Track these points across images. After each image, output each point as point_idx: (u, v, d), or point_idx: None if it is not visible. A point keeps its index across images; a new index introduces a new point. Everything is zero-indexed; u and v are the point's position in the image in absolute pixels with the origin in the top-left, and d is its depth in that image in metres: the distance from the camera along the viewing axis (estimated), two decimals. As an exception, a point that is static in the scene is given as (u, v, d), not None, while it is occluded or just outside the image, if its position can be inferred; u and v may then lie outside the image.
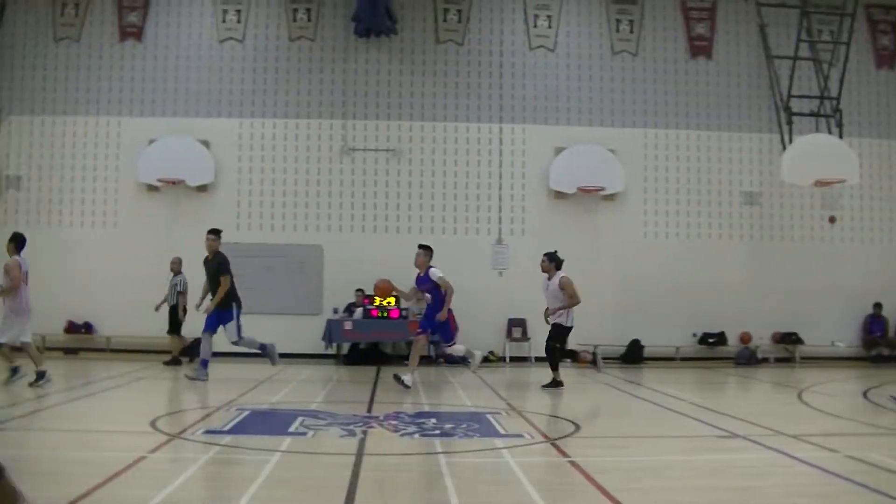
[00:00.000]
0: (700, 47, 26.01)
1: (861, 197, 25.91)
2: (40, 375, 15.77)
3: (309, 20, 25.51)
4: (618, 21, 25.91)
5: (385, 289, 17.27)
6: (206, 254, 18.12)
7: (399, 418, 12.53)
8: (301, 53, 25.45)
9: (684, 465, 9.66)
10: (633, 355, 24.60)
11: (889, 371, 22.79)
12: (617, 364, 24.13)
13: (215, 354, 20.74)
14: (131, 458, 9.33)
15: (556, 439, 10.89)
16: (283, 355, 22.75)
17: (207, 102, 25.17)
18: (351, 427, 11.57)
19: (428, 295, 16.87)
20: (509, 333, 24.59)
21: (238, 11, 25.46)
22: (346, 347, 23.85)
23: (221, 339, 23.35)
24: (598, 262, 24.83)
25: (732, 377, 21.76)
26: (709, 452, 10.46)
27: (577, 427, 11.88)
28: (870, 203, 26.08)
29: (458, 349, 17.57)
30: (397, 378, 16.41)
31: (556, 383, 17.52)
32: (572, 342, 18.70)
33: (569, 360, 18.76)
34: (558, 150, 25.08)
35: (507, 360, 24.36)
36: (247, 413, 12.97)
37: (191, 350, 21.64)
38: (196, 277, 21.97)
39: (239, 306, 17.66)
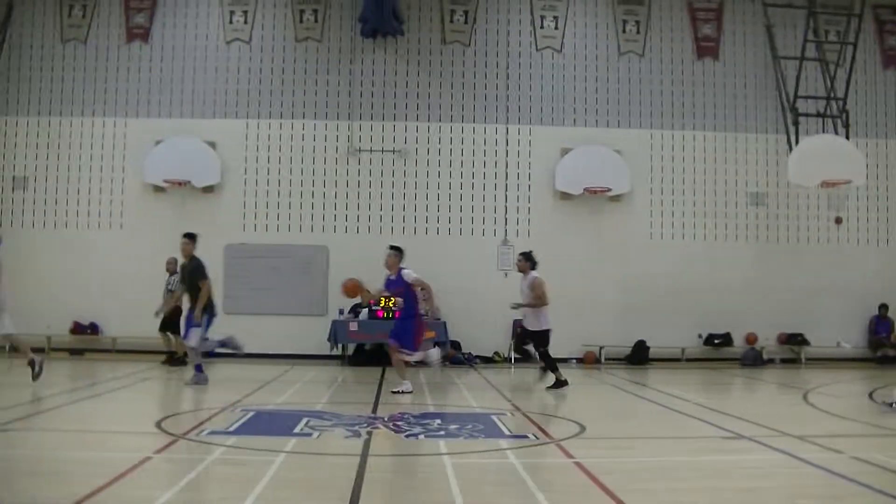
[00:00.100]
0: (707, 48, 25.98)
1: (868, 198, 25.86)
2: (33, 366, 16.01)
3: (315, 21, 25.52)
4: (624, 22, 25.89)
5: (353, 288, 16.61)
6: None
7: (404, 419, 12.52)
8: (308, 54, 25.46)
9: (689, 466, 9.66)
10: (639, 356, 24.58)
11: (895, 372, 22.75)
12: (622, 365, 24.16)
13: (220, 356, 20.82)
14: (137, 458, 9.34)
15: (560, 440, 10.88)
16: (288, 356, 22.84)
17: (214, 103, 25.18)
18: (356, 428, 11.57)
19: (399, 299, 16.50)
20: (514, 334, 24.54)
21: (245, 12, 25.48)
22: (351, 348, 23.85)
23: (243, 340, 23.49)
24: (604, 262, 24.85)
25: (738, 378, 21.74)
26: (714, 453, 10.45)
27: (582, 428, 11.86)
28: (876, 204, 26.03)
29: (416, 356, 16.54)
30: (394, 393, 15.96)
31: (559, 383, 17.49)
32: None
33: (522, 357, 18.85)
34: (565, 151, 25.06)
35: (513, 361, 24.29)
36: (252, 414, 12.97)
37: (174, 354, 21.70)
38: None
39: (211, 314, 17.33)
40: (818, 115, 25.04)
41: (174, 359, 21.58)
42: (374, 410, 13.82)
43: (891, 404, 14.24)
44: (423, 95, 25.40)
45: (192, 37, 25.50)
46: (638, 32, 25.84)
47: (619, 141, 25.18)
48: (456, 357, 23.62)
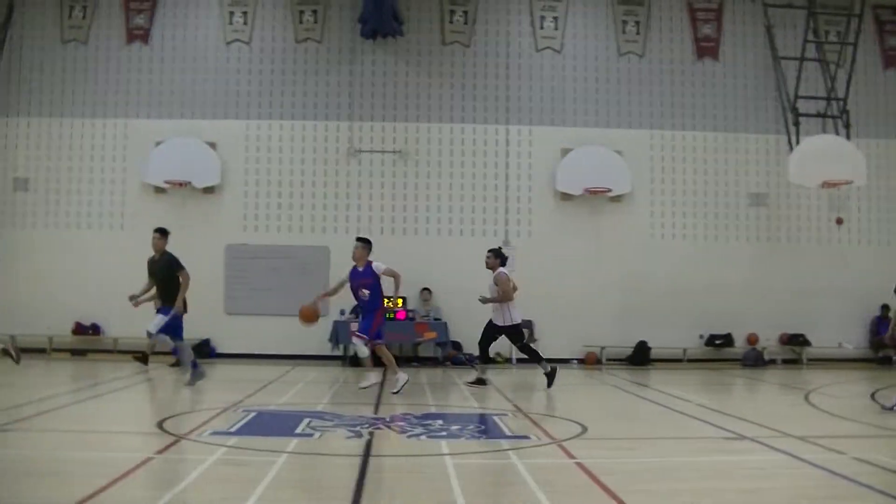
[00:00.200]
0: (706, 48, 25.98)
1: (868, 198, 25.84)
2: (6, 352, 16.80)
3: (315, 22, 25.53)
4: (624, 22, 25.88)
5: (309, 314, 16.46)
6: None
7: (406, 419, 12.53)
8: (307, 55, 25.46)
9: (691, 466, 9.65)
10: (640, 357, 24.58)
11: (896, 373, 22.77)
12: (624, 366, 24.16)
13: (224, 356, 20.87)
14: (138, 458, 9.35)
15: (562, 441, 10.87)
16: (289, 357, 22.83)
17: (214, 104, 25.18)
18: (357, 428, 11.58)
19: (366, 290, 16.11)
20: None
21: (244, 13, 25.49)
22: (352, 349, 23.82)
23: (236, 341, 23.51)
24: (605, 263, 24.84)
25: (739, 379, 21.75)
26: (716, 454, 10.45)
27: (584, 428, 11.86)
28: (877, 204, 26.01)
29: (361, 346, 16.11)
30: (394, 393, 15.93)
31: (551, 373, 17.56)
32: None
33: (479, 361, 18.53)
34: (565, 152, 25.06)
35: (514, 361, 24.28)
36: (253, 414, 12.98)
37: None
38: (200, 278, 22.11)
39: (184, 308, 17.42)
40: (818, 115, 25.07)
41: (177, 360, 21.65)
42: (376, 411, 13.83)
43: (891, 408, 14.21)
44: (423, 96, 25.39)
45: (192, 38, 25.51)
46: (638, 33, 25.84)
47: (620, 141, 25.18)
48: (457, 358, 23.62)
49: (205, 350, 23.94)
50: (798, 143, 24.44)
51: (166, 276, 17.25)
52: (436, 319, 23.82)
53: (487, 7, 25.71)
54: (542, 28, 25.78)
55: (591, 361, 24.42)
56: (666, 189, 25.44)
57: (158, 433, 11.09)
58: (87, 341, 23.94)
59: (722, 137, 25.68)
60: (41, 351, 23.77)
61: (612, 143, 25.12)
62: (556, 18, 25.82)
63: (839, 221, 25.28)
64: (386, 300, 16.68)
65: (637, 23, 25.88)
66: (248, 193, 25.00)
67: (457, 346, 23.99)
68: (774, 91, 25.48)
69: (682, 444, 11.27)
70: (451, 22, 25.67)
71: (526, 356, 18.42)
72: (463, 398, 16.40)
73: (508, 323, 17.73)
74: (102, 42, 25.40)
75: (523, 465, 9.33)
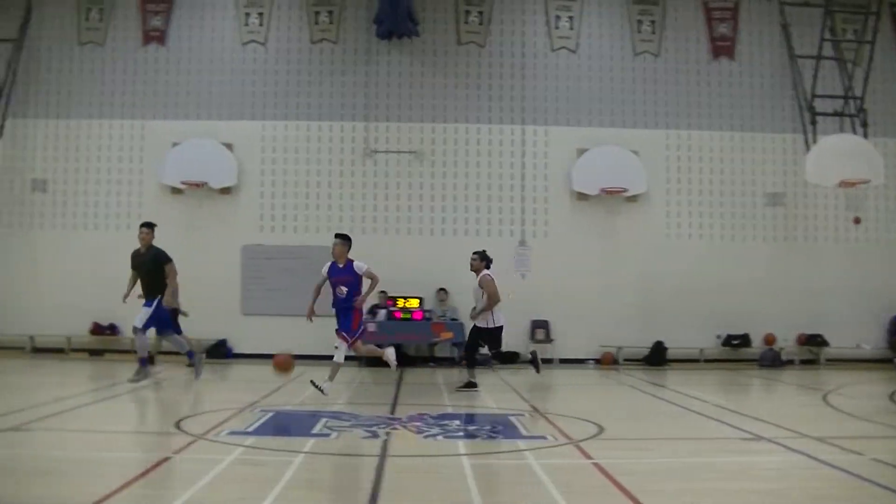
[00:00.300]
0: (722, 47, 25.91)
1: (886, 197, 25.67)
2: None
3: (331, 22, 25.54)
4: (639, 22, 25.82)
5: (285, 364, 16.18)
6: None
7: (422, 420, 12.53)
8: (323, 56, 25.48)
9: (708, 467, 9.64)
10: (657, 357, 24.52)
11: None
12: (640, 366, 24.11)
13: (241, 356, 20.92)
14: (156, 458, 9.41)
15: (579, 441, 10.87)
16: (306, 357, 22.83)
17: (230, 105, 25.22)
18: (374, 428, 11.59)
19: (344, 288, 15.69)
20: (532, 335, 24.53)
21: (260, 14, 25.52)
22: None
23: (252, 341, 23.54)
24: (621, 263, 24.79)
25: (757, 379, 21.70)
26: (733, 455, 10.44)
27: (601, 429, 11.85)
28: (895, 203, 25.89)
29: (340, 354, 15.62)
30: (395, 367, 16.24)
31: (470, 384, 17.18)
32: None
33: (467, 364, 17.95)
34: (581, 152, 25.02)
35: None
36: (270, 414, 13.01)
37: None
38: (216, 279, 22.24)
39: (161, 303, 17.32)
40: (836, 114, 24.94)
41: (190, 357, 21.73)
42: (393, 411, 13.84)
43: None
44: (439, 96, 25.38)
45: (207, 39, 25.55)
46: (653, 32, 25.78)
47: (635, 141, 25.12)
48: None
49: (221, 350, 24.05)
50: (815, 142, 24.32)
51: (152, 270, 17.28)
52: (452, 320, 23.79)
53: (502, 7, 25.68)
54: (557, 28, 25.74)
55: (607, 362, 24.39)
56: (682, 189, 25.38)
57: (176, 433, 11.12)
58: (104, 341, 23.96)
59: (738, 137, 25.58)
60: (59, 351, 23.86)
61: (628, 142, 25.07)
62: (571, 18, 25.78)
63: (857, 221, 25.15)
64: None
65: (652, 22, 25.82)
66: (265, 194, 25.03)
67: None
68: (791, 90, 25.35)
69: (700, 445, 11.26)
70: (466, 22, 25.66)
71: (497, 358, 18.42)
72: (479, 398, 16.39)
73: (492, 325, 17.44)
74: (119, 44, 25.46)
75: (540, 465, 9.32)
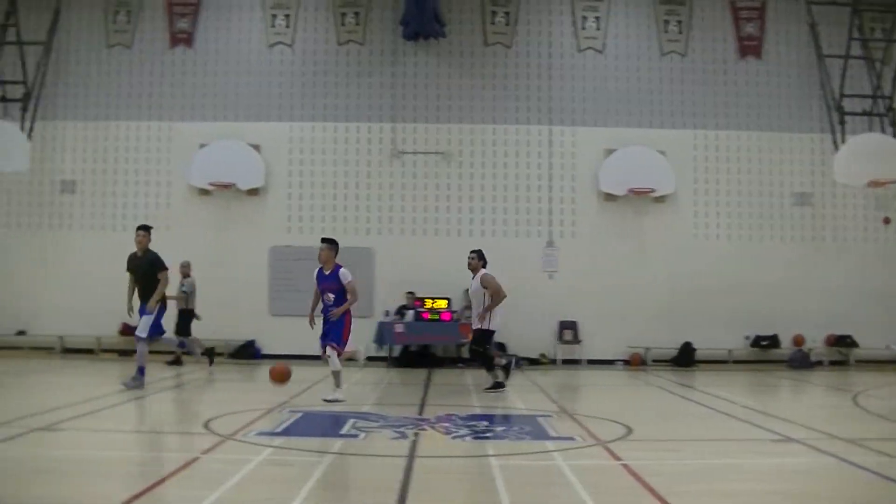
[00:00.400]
0: (749, 47, 25.80)
1: (916, 197, 25.55)
2: None
3: (357, 24, 25.57)
4: (666, 22, 25.75)
5: (281, 375, 15.61)
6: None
7: (451, 421, 12.52)
8: (350, 57, 25.51)
9: (737, 468, 9.61)
10: (685, 358, 24.44)
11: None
12: (668, 367, 24.03)
13: (270, 357, 20.96)
14: (185, 458, 9.43)
15: (607, 442, 10.84)
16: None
17: (257, 106, 25.29)
18: (402, 429, 11.60)
19: (330, 295, 15.17)
20: (560, 336, 24.50)
21: (287, 16, 25.58)
22: (397, 350, 23.88)
23: (281, 342, 23.57)
24: (649, 264, 24.73)
25: (786, 380, 21.58)
26: (762, 456, 10.39)
27: (629, 430, 11.83)
28: (925, 203, 25.72)
29: (336, 361, 15.03)
30: (325, 400, 14.84)
31: (497, 385, 17.01)
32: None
33: (486, 368, 17.66)
34: (608, 152, 24.97)
35: (558, 362, 24.26)
36: (299, 415, 13.03)
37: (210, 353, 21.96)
38: (244, 280, 22.28)
39: (163, 307, 17.08)
40: (864, 113, 24.84)
41: (175, 359, 21.90)
42: (421, 412, 13.84)
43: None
44: (466, 97, 25.37)
45: (234, 41, 25.64)
46: (680, 32, 25.70)
47: (663, 141, 25.06)
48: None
49: (250, 351, 24.13)
50: (843, 141, 24.21)
51: (149, 274, 16.92)
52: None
53: (529, 8, 25.66)
54: (583, 28, 25.70)
55: (635, 363, 24.34)
56: (710, 189, 25.29)
57: (205, 433, 11.15)
58: (133, 342, 23.97)
59: (766, 137, 25.48)
60: (89, 351, 23.98)
61: (655, 143, 25.01)
62: (597, 18, 25.73)
63: (886, 221, 25.01)
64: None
65: (679, 22, 25.75)
66: (292, 195, 25.09)
67: (501, 347, 23.95)
68: (819, 89, 25.24)
69: (728, 446, 11.23)
70: (492, 23, 25.65)
71: (474, 360, 18.15)
72: (507, 399, 16.38)
73: (486, 327, 17.13)
74: (146, 46, 25.58)
75: (568, 466, 9.31)
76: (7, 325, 24.77)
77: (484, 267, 17.36)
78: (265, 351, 24.17)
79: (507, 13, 25.66)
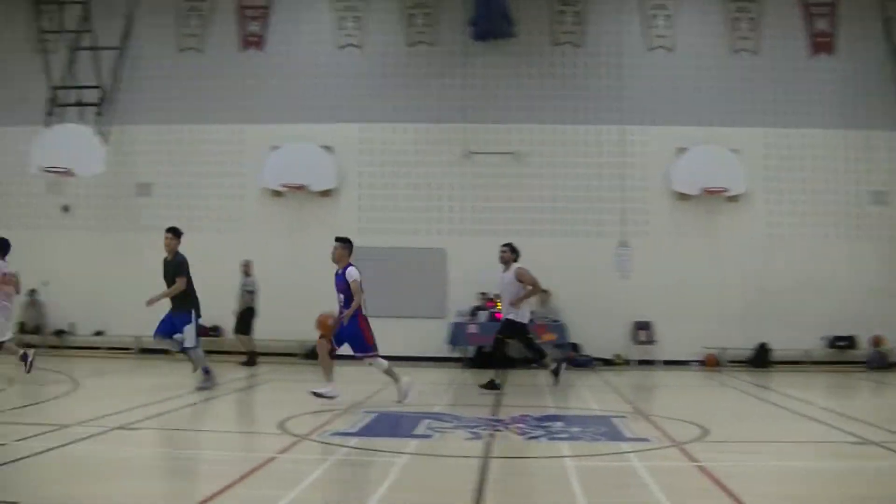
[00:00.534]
0: (822, 44, 25.46)
1: None
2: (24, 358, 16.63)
3: (426, 25, 25.62)
4: (736, 19, 25.50)
5: (326, 323, 15.02)
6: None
7: (525, 422, 12.53)
8: (419, 58, 25.55)
9: (815, 471, 9.54)
10: (761, 359, 24.18)
11: None
12: (744, 368, 23.81)
13: (344, 357, 20.96)
14: (261, 458, 9.51)
15: (682, 443, 10.78)
16: (408, 358, 22.92)
17: (328, 108, 25.37)
18: (477, 430, 11.61)
19: (342, 296, 14.96)
20: (635, 336, 24.38)
21: (356, 18, 25.68)
22: (471, 351, 23.88)
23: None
24: (723, 264, 24.49)
25: (864, 382, 21.32)
26: (840, 459, 10.30)
27: (705, 431, 11.74)
28: None
29: (381, 362, 15.00)
30: (316, 394, 14.43)
31: (491, 384, 16.76)
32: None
33: (534, 363, 18.02)
34: (680, 151, 24.79)
35: (633, 363, 24.13)
36: (374, 415, 13.09)
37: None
38: (317, 281, 22.33)
39: (198, 312, 16.68)
40: (941, 109, 24.46)
41: (249, 359, 22.15)
42: (495, 413, 13.85)
43: None
44: (536, 97, 25.29)
45: (304, 43, 25.79)
46: (751, 30, 25.43)
47: (735, 140, 24.77)
48: (576, 359, 23.51)
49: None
50: (922, 138, 23.88)
51: (174, 278, 16.63)
52: (554, 321, 23.74)
53: (598, 7, 25.54)
54: (653, 27, 25.53)
55: (710, 363, 24.13)
56: (783, 188, 25.00)
57: (280, 433, 11.23)
58: (208, 343, 24.13)
59: (840, 134, 25.10)
60: (165, 352, 24.19)
61: (728, 141, 24.75)
62: (667, 17, 25.55)
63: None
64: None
65: (750, 19, 25.48)
66: (364, 196, 25.18)
67: (575, 347, 23.92)
68: (894, 85, 24.89)
69: (806, 448, 11.14)
70: (561, 23, 25.57)
71: (493, 353, 17.88)
72: (582, 400, 16.34)
73: (521, 320, 17.14)
74: (218, 49, 25.81)
75: (644, 467, 9.27)
76: (86, 326, 25.17)
77: (516, 260, 17.26)
78: (339, 351, 24.20)
79: (576, 12, 25.57)
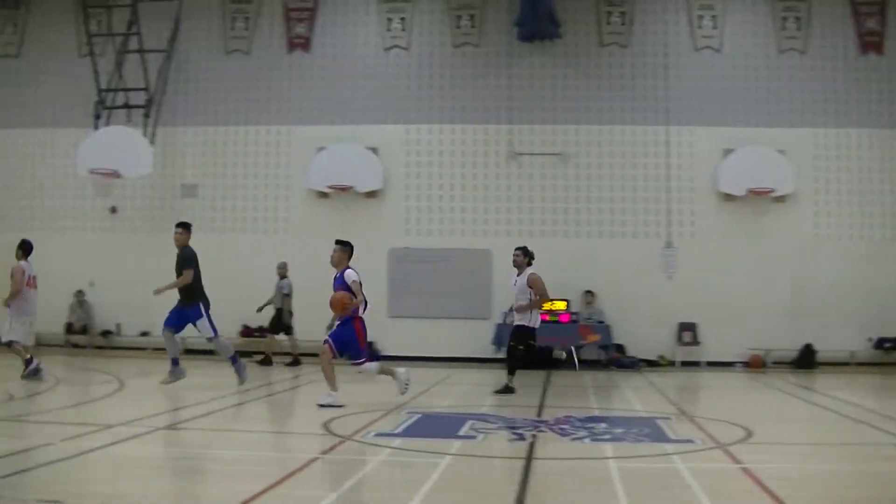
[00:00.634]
0: (870, 43, 25.24)
1: None
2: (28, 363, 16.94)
3: (472, 26, 25.64)
4: (784, 18, 25.32)
5: (343, 302, 14.40)
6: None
7: (569, 423, 12.51)
8: (465, 59, 25.58)
9: (862, 474, 9.46)
10: (806, 360, 24.02)
11: None
12: (789, 369, 23.66)
13: (389, 358, 21.10)
14: (304, 459, 9.57)
15: (727, 445, 10.73)
16: (453, 359, 22.93)
17: (374, 110, 25.46)
18: (520, 431, 11.61)
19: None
20: (679, 337, 24.28)
21: (402, 19, 25.74)
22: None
23: (400, 344, 23.73)
24: (769, 264, 24.33)
25: (912, 383, 21.16)
26: (888, 461, 10.22)
27: (749, 433, 11.69)
28: None
29: (370, 367, 14.73)
30: (323, 406, 13.95)
31: (507, 389, 16.54)
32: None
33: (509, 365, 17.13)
34: (727, 152, 24.66)
35: (677, 364, 24.04)
36: (418, 416, 13.12)
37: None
38: (364, 282, 22.34)
39: (206, 304, 16.67)
40: None
41: (265, 358, 22.74)
42: (539, 414, 13.85)
43: None
44: (582, 98, 25.24)
45: (351, 45, 25.88)
46: (798, 29, 25.24)
47: (782, 140, 24.61)
48: (620, 361, 23.46)
49: (370, 352, 24.26)
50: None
51: (180, 271, 16.67)
52: (599, 322, 23.71)
53: (644, 7, 25.45)
54: (700, 27, 25.40)
55: (755, 364, 23.99)
56: (831, 188, 24.81)
57: (324, 434, 11.30)
58: (254, 344, 24.28)
59: (888, 134, 24.85)
60: (210, 352, 24.33)
61: (775, 142, 24.59)
62: (714, 17, 25.42)
63: None
64: (363, 309, 14.71)
65: (797, 18, 25.30)
66: (410, 197, 25.24)
67: (620, 348, 23.87)
68: (945, 84, 24.68)
69: (852, 451, 11.05)
70: (608, 23, 25.50)
71: (506, 359, 17.48)
72: (626, 401, 16.31)
73: (532, 325, 16.73)
74: (264, 51, 25.96)
75: (687, 469, 9.25)
76: (131, 327, 25.39)
77: (530, 265, 17.00)
78: (384, 352, 24.33)
79: (622, 13, 25.50)
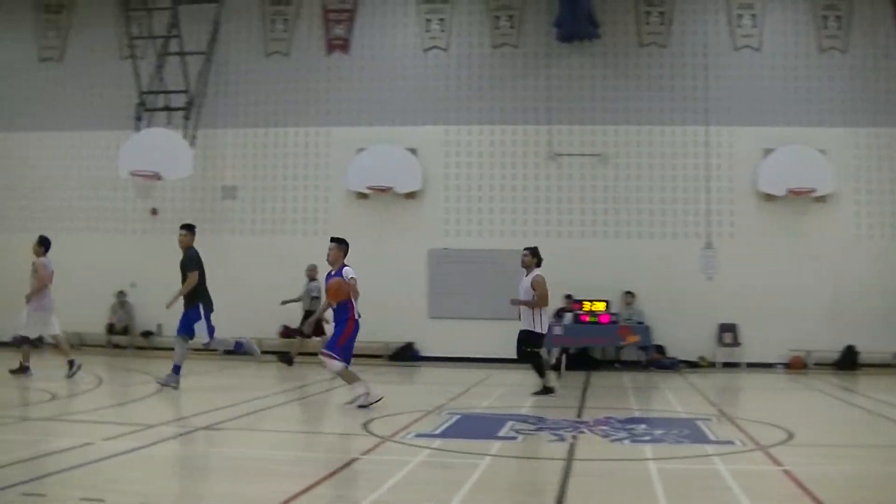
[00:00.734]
0: (913, 41, 25.09)
1: None
2: (71, 365, 17.24)
3: (511, 27, 25.64)
4: (824, 17, 25.15)
5: (343, 288, 14.18)
6: None
7: (609, 424, 12.49)
8: (504, 60, 25.57)
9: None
10: (848, 361, 23.84)
11: None
12: (831, 370, 23.50)
13: (428, 359, 21.13)
14: (345, 459, 9.62)
15: (768, 447, 10.68)
16: (492, 360, 22.91)
17: (413, 111, 25.51)
18: (560, 432, 11.60)
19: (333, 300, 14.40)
20: (720, 338, 24.17)
21: (441, 20, 25.78)
22: (556, 352, 23.82)
23: (439, 344, 23.72)
24: (810, 265, 24.19)
25: (955, 384, 20.97)
26: (931, 462, 10.15)
27: (790, 434, 11.63)
28: None
29: (334, 365, 14.13)
30: (355, 405, 13.93)
31: (546, 390, 16.44)
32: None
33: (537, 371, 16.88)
34: (767, 152, 24.53)
35: (718, 365, 23.93)
36: (457, 417, 13.14)
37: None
38: (404, 282, 22.50)
39: (207, 305, 16.61)
40: None
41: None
42: (579, 415, 13.83)
43: None
44: (621, 98, 25.19)
45: (390, 46, 25.94)
46: (839, 28, 25.07)
47: (823, 140, 24.45)
48: (661, 361, 23.40)
49: (409, 353, 24.36)
50: None
51: (184, 273, 16.59)
52: (639, 323, 23.64)
53: (684, 7, 25.35)
54: (739, 26, 25.28)
55: (796, 366, 23.85)
56: (873, 188, 24.62)
57: (364, 434, 11.33)
58: (293, 344, 24.33)
59: (932, 133, 24.74)
60: (248, 354, 24.43)
61: (815, 141, 24.43)
62: (753, 16, 25.29)
63: None
64: (357, 316, 14.41)
65: (838, 17, 25.13)
66: (449, 198, 25.26)
67: (660, 349, 23.80)
68: None
69: (892, 453, 10.97)
70: (647, 23, 25.44)
71: (525, 361, 17.03)
72: (666, 402, 16.27)
73: (538, 330, 16.49)
74: (303, 53, 26.06)
75: (728, 471, 9.22)
76: (172, 328, 25.38)
77: (538, 266, 16.93)
78: (423, 353, 24.40)
79: (661, 13, 25.43)
